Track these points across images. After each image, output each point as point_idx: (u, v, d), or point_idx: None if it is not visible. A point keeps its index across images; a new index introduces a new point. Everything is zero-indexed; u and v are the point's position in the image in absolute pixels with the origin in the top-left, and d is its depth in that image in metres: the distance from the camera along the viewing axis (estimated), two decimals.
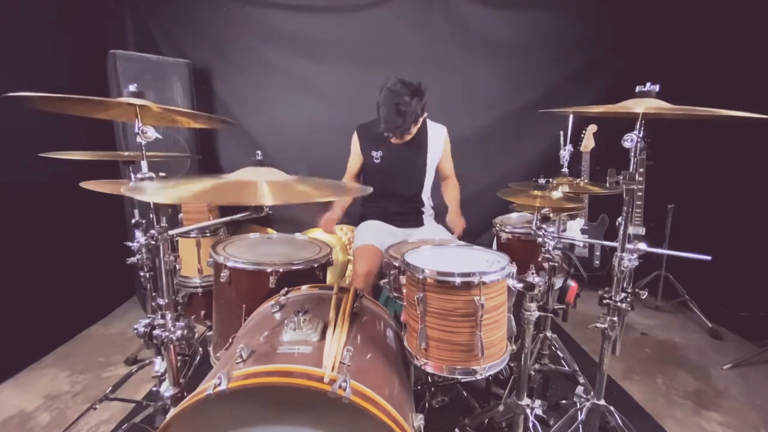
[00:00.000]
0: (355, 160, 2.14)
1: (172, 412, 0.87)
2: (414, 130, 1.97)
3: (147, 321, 1.08)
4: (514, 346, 1.25)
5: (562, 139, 1.73)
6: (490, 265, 1.16)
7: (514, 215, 2.17)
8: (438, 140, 2.12)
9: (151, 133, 1.08)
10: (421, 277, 1.10)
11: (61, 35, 2.39)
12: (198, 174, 2.56)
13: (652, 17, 2.89)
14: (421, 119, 1.96)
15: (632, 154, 1.21)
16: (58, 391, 1.92)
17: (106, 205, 2.14)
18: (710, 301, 2.67)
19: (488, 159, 3.13)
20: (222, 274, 1.47)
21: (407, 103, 1.84)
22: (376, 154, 2.07)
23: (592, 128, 2.71)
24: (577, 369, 1.89)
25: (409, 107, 1.85)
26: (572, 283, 1.39)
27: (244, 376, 0.83)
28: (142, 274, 1.43)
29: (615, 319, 1.28)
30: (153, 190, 0.96)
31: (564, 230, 1.67)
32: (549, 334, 1.91)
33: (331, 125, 2.85)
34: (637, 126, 1.18)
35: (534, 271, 1.17)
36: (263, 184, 0.95)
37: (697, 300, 2.69)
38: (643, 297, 1.27)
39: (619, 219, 1.27)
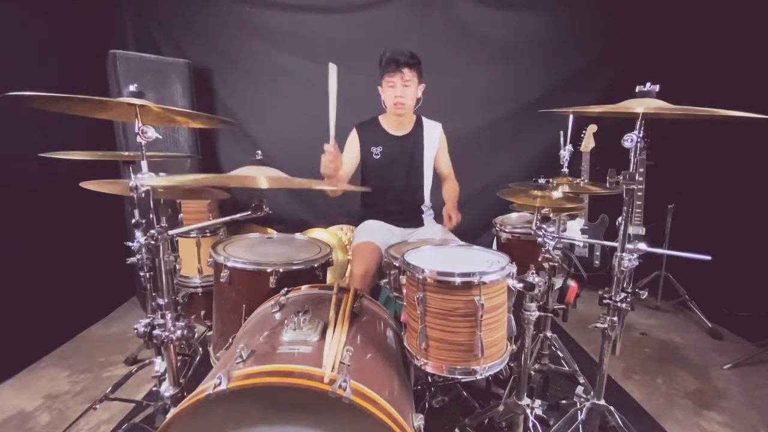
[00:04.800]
0: (350, 159, 2.09)
1: (172, 412, 0.87)
2: (411, 104, 2.00)
3: (147, 321, 1.08)
4: (514, 346, 1.25)
5: (562, 139, 1.73)
6: (490, 265, 1.16)
7: (514, 215, 2.17)
8: (434, 136, 2.13)
9: (151, 133, 1.08)
10: (421, 277, 1.10)
11: (61, 35, 2.39)
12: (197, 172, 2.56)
13: (651, 17, 2.89)
14: (420, 87, 2.00)
15: (632, 154, 1.21)
16: (58, 391, 1.92)
17: (106, 205, 2.14)
18: (710, 301, 2.67)
19: (488, 159, 3.14)
20: (222, 274, 1.47)
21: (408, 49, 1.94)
22: (376, 150, 2.07)
23: (592, 128, 2.71)
24: (577, 369, 1.89)
25: (410, 51, 1.93)
26: (572, 283, 1.39)
27: (244, 376, 0.83)
28: (142, 274, 1.42)
29: (615, 319, 1.28)
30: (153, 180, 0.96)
31: (564, 230, 1.67)
32: (549, 334, 1.91)
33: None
34: (637, 126, 1.18)
35: (534, 271, 1.17)
36: (262, 177, 0.96)
37: (697, 300, 2.69)
38: (643, 297, 1.27)
39: (619, 219, 1.27)
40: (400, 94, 1.95)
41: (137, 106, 1.09)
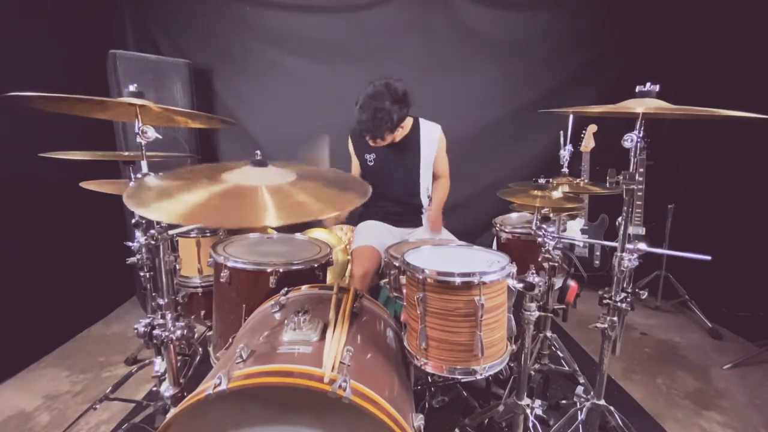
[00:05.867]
0: (353, 164, 2.17)
1: (172, 412, 0.87)
2: (392, 137, 1.93)
3: (147, 321, 1.08)
4: (514, 346, 1.25)
5: (562, 139, 1.73)
6: (490, 265, 1.16)
7: (514, 215, 2.17)
8: (431, 139, 2.10)
9: (151, 133, 1.08)
10: (421, 277, 1.10)
11: (61, 35, 2.39)
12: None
13: (652, 17, 2.89)
14: (400, 128, 1.92)
15: (632, 154, 1.21)
16: (58, 391, 1.92)
17: (106, 205, 2.13)
18: (710, 301, 2.67)
19: (488, 159, 3.13)
20: (222, 274, 1.47)
21: (385, 109, 1.78)
22: (369, 157, 2.07)
23: (592, 128, 2.72)
24: (577, 369, 1.89)
25: (386, 114, 1.78)
26: (572, 283, 1.39)
27: (244, 376, 0.83)
28: (142, 274, 1.43)
29: (615, 319, 1.28)
30: (151, 199, 0.94)
31: (564, 230, 1.67)
32: (549, 334, 1.91)
33: (331, 125, 2.85)
34: (637, 126, 1.18)
35: (534, 271, 1.17)
36: (264, 194, 0.93)
37: (697, 300, 2.69)
38: (643, 297, 1.27)
39: (619, 219, 1.27)
40: (372, 143, 1.96)
41: (137, 106, 1.09)
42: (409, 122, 2.09)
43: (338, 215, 2.07)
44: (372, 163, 2.07)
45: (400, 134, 2.05)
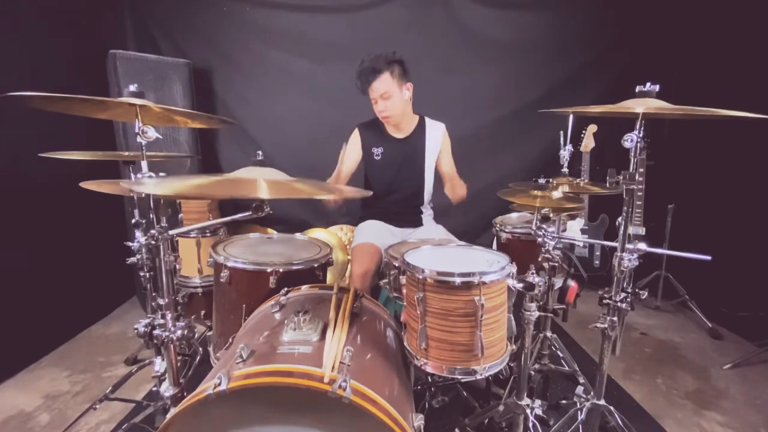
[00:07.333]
0: (351, 158, 2.10)
1: (172, 412, 0.87)
2: (399, 112, 1.98)
3: (147, 321, 1.08)
4: (514, 346, 1.25)
5: (562, 139, 1.72)
6: (490, 265, 1.16)
7: (514, 215, 2.17)
8: (436, 137, 2.12)
9: (152, 133, 1.08)
10: (421, 277, 1.10)
11: (61, 35, 2.40)
12: (198, 173, 2.56)
13: (652, 17, 2.89)
14: (406, 89, 1.98)
15: (632, 154, 1.21)
16: (58, 391, 1.92)
17: (106, 205, 2.14)
18: (710, 301, 2.67)
19: (488, 159, 3.13)
20: (222, 274, 1.47)
21: (383, 55, 1.95)
22: (377, 151, 2.08)
23: (592, 128, 2.72)
24: (577, 369, 1.89)
25: (384, 55, 1.94)
26: (572, 283, 1.39)
27: (244, 376, 0.83)
28: (142, 274, 1.43)
29: (615, 319, 1.28)
30: (153, 185, 0.97)
31: (564, 230, 1.67)
32: (549, 334, 1.91)
33: (331, 125, 2.85)
34: (637, 126, 1.18)
35: (534, 271, 1.17)
36: (261, 181, 0.97)
37: (697, 300, 2.69)
38: (643, 297, 1.27)
39: (619, 219, 1.27)
40: (381, 109, 1.96)
41: (137, 106, 1.08)
42: (415, 118, 2.12)
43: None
44: (379, 157, 2.08)
45: (407, 125, 2.08)
